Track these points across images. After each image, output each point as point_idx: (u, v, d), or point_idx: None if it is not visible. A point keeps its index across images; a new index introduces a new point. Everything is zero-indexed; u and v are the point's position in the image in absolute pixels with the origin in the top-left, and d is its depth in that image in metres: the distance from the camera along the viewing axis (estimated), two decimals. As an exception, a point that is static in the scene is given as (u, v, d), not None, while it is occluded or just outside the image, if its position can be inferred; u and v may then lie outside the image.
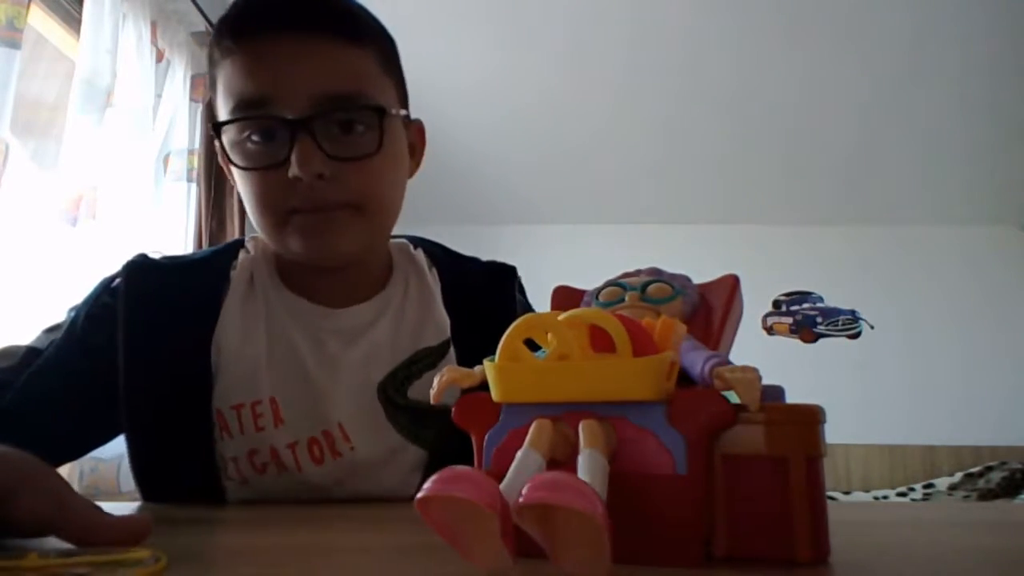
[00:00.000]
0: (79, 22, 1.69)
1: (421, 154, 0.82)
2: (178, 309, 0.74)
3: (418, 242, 0.87)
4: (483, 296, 0.82)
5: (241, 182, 0.71)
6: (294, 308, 0.77)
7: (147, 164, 1.96)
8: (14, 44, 1.36)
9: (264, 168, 0.68)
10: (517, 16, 2.48)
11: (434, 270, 0.83)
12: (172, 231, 2.05)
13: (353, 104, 0.68)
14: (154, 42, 1.98)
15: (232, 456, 0.73)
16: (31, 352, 0.71)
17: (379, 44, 0.73)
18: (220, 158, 0.73)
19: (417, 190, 0.85)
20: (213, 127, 0.70)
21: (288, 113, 0.66)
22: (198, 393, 0.72)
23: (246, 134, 0.68)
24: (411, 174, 0.80)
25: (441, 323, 0.78)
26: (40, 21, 1.79)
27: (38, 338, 0.74)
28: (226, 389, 0.73)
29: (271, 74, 0.67)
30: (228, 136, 0.69)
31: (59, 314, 0.78)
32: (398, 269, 0.82)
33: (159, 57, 2.03)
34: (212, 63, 0.71)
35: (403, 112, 0.76)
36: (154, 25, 1.98)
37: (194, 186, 2.14)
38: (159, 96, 2.03)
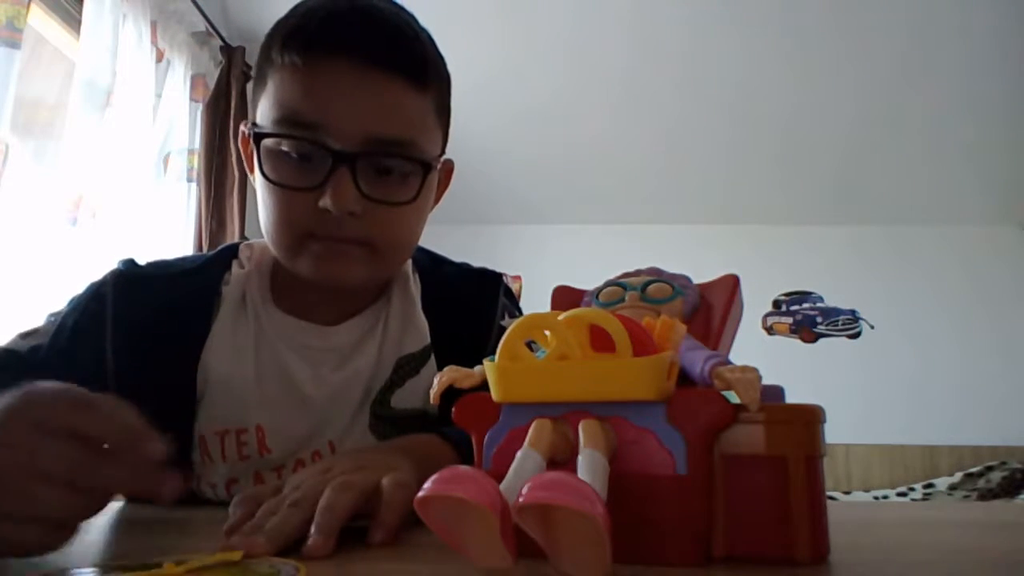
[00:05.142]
0: (79, 22, 1.69)
1: (443, 191, 0.80)
2: (166, 326, 0.72)
3: None
4: (463, 302, 0.81)
5: (264, 193, 0.69)
6: (286, 329, 0.75)
7: (147, 164, 1.96)
8: (14, 44, 1.37)
9: (295, 188, 0.66)
10: (518, 16, 2.48)
11: (416, 276, 0.82)
12: (172, 231, 2.05)
13: (403, 152, 0.67)
14: (154, 42, 1.98)
15: (211, 482, 0.72)
16: (9, 355, 0.69)
17: (441, 90, 0.72)
18: (245, 160, 0.71)
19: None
20: (255, 136, 0.68)
21: (335, 143, 0.64)
22: (181, 416, 0.70)
23: (284, 147, 0.67)
24: (431, 209, 0.78)
25: (421, 329, 0.77)
26: (40, 21, 1.79)
27: (14, 341, 0.71)
28: (211, 414, 0.72)
29: (330, 101, 0.65)
30: (264, 142, 0.67)
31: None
32: (390, 282, 0.81)
33: (159, 57, 2.02)
34: (269, 61, 0.68)
35: (443, 159, 0.75)
36: (154, 25, 1.97)
37: (194, 186, 2.14)
38: (159, 96, 2.03)
